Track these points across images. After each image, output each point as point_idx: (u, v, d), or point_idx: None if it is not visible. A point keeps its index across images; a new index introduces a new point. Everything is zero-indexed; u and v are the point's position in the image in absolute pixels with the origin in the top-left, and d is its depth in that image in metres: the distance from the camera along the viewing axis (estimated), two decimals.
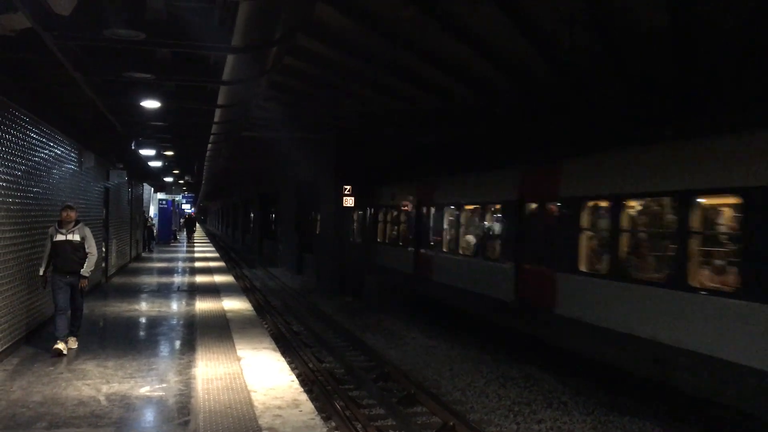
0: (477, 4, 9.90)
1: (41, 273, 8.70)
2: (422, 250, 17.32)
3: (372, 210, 21.94)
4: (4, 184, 8.17)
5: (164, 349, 9.46)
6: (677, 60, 10.62)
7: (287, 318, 18.67)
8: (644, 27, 9.99)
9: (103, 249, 16.81)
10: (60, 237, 8.66)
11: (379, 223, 21.25)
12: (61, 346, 8.63)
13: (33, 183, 9.51)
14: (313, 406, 6.67)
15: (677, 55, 10.48)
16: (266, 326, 14.83)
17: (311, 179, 27.20)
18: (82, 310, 9.32)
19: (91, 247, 8.88)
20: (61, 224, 8.75)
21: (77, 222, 8.90)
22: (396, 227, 19.96)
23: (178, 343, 9.87)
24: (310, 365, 12.43)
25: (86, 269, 8.82)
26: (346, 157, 23.04)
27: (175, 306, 13.78)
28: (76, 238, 8.73)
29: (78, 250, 8.74)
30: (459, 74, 13.52)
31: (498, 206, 14.03)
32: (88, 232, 8.89)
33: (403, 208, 19.14)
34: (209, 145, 15.94)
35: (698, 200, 8.56)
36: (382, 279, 20.47)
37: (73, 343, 9.05)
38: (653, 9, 9.33)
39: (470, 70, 13.26)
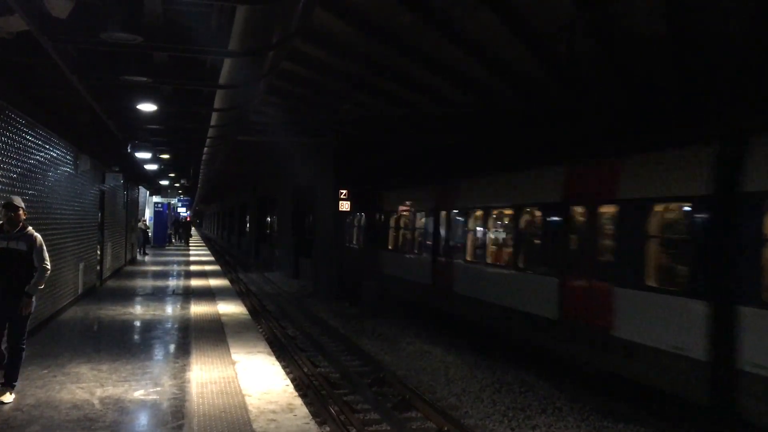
0: (475, 11, 9.94)
1: None
2: (442, 259, 16.00)
3: (380, 216, 20.67)
4: (0, 187, 8.15)
5: (159, 353, 9.43)
6: (676, 66, 10.67)
7: (283, 322, 18.62)
8: (642, 32, 10.03)
9: (98, 252, 16.79)
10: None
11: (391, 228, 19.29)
12: None
13: (28, 185, 9.49)
14: (307, 411, 6.66)
15: (676, 61, 10.53)
16: (261, 330, 14.81)
17: (309, 183, 27.19)
18: (22, 348, 6.81)
19: (41, 260, 6.79)
20: (2, 228, 6.80)
21: (24, 226, 6.84)
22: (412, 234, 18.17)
23: (172, 347, 9.85)
24: (305, 370, 12.40)
25: (32, 286, 6.73)
26: (346, 162, 23.04)
27: (170, 309, 13.75)
28: (21, 246, 6.70)
29: (22, 263, 6.71)
30: (458, 79, 13.55)
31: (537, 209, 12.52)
32: (38, 239, 6.85)
33: (418, 212, 17.75)
34: (206, 149, 15.91)
35: None
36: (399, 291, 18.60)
37: (8, 397, 6.61)
38: (651, 15, 9.38)
39: (470, 75, 13.29)
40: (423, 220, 17.58)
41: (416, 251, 17.84)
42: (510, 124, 15.84)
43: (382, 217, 20.49)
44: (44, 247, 6.92)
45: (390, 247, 19.85)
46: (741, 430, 7.85)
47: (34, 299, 6.84)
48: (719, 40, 9.68)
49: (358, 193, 22.26)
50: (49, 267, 6.92)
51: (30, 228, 6.92)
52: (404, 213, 19.01)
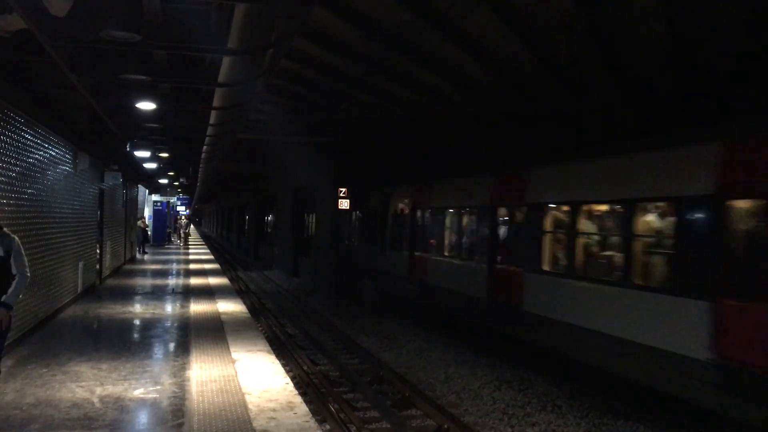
0: (474, 10, 9.91)
1: None
2: None
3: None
4: None
5: (158, 351, 9.44)
6: (674, 66, 10.64)
7: (282, 320, 18.64)
8: (640, 32, 10.01)
9: (98, 251, 16.79)
10: None
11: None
12: None
13: (27, 184, 9.49)
14: (307, 409, 6.66)
15: (674, 62, 10.50)
16: (261, 328, 14.81)
17: (308, 182, 27.16)
18: None
19: (21, 266, 6.11)
20: None
21: None
22: None
23: (172, 346, 9.85)
24: (305, 368, 12.41)
25: (10, 296, 6.02)
26: (347, 160, 23.09)
27: (170, 308, 13.75)
28: None
29: None
30: (458, 80, 13.51)
31: None
32: (16, 240, 6.18)
33: None
34: (205, 147, 15.91)
35: None
36: None
37: None
38: (650, 16, 9.35)
39: (469, 75, 13.25)
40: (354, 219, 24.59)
41: (354, 241, 24.17)
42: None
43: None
44: (23, 250, 6.24)
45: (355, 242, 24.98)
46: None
47: (11, 310, 6.11)
48: (717, 42, 9.65)
49: (367, 192, 22.95)
50: (29, 274, 6.26)
51: (5, 229, 6.26)
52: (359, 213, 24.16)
